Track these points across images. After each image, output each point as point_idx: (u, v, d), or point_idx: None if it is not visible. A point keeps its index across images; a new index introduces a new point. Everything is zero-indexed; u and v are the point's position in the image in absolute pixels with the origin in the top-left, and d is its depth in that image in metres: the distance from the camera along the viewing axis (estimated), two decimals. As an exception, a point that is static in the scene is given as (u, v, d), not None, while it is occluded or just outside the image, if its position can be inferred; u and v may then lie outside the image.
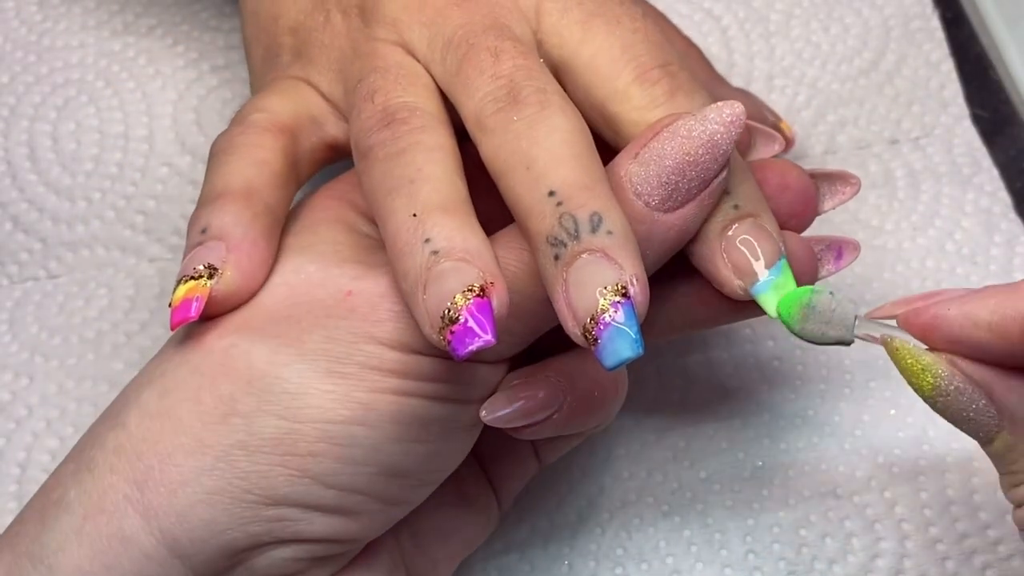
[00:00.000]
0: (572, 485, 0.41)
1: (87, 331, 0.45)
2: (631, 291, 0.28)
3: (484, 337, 0.28)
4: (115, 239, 0.47)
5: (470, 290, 0.28)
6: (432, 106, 0.33)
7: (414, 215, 0.30)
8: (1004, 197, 0.47)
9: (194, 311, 0.31)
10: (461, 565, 0.40)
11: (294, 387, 0.31)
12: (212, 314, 0.32)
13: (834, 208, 0.37)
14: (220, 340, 0.31)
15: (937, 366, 0.30)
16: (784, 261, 0.32)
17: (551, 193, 0.29)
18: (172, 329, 0.32)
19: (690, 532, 0.40)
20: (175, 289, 0.32)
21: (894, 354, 0.31)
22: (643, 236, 0.31)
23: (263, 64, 0.39)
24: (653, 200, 0.31)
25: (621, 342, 0.28)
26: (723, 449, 0.42)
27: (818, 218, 0.45)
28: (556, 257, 0.29)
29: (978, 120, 0.49)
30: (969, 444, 0.40)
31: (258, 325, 0.32)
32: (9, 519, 0.41)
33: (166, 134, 0.49)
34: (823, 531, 0.40)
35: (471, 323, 0.28)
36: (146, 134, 0.49)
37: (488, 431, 0.35)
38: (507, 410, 0.33)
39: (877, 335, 0.31)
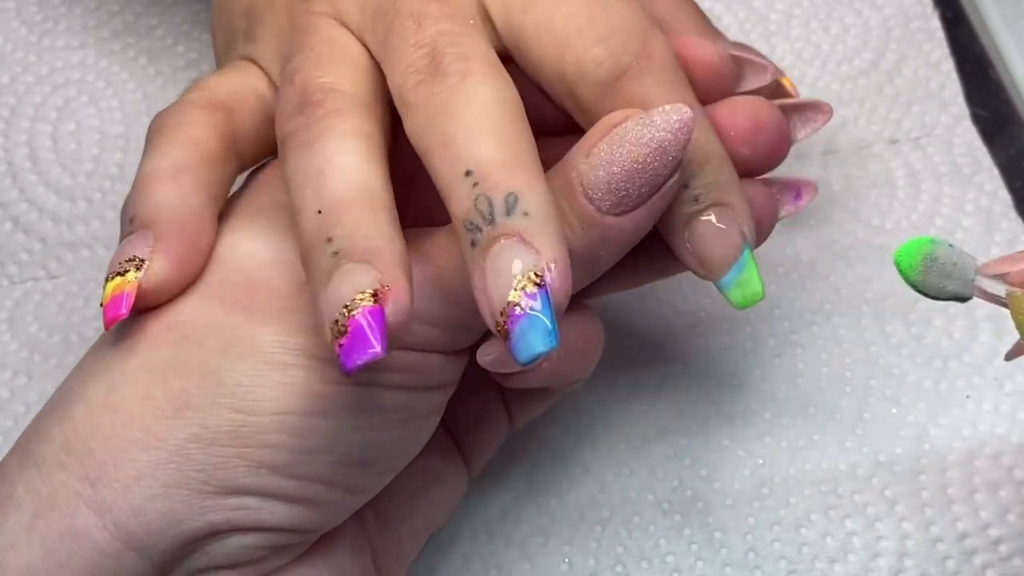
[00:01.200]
0: (572, 482, 0.41)
1: (86, 330, 0.45)
2: (547, 277, 0.26)
3: (371, 349, 0.26)
4: (115, 239, 0.47)
5: (362, 297, 0.27)
6: (353, 86, 0.31)
7: (319, 212, 0.28)
8: (1004, 196, 0.47)
9: (124, 308, 0.30)
10: (461, 563, 0.40)
11: (249, 380, 0.30)
12: (147, 307, 0.31)
13: (807, 136, 0.37)
14: (169, 333, 0.31)
15: None
16: (748, 251, 0.31)
17: (467, 173, 0.28)
18: (107, 328, 0.30)
19: (690, 530, 0.40)
20: (104, 286, 0.31)
21: (1018, 304, 0.29)
22: (596, 239, 0.30)
23: (224, 53, 0.38)
24: (604, 204, 0.29)
25: (534, 334, 0.26)
26: (724, 447, 0.42)
27: (819, 217, 0.46)
28: (473, 243, 0.27)
29: (978, 120, 0.49)
30: (971, 443, 0.41)
31: (211, 316, 0.31)
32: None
33: (166, 134, 0.49)
34: (824, 530, 0.40)
35: (363, 333, 0.26)
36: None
37: (459, 398, 0.34)
38: (497, 356, 0.32)
39: (999, 290, 0.30)
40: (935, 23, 0.51)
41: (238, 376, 0.30)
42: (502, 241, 0.27)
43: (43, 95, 0.50)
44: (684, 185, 0.31)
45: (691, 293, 0.45)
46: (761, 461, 0.41)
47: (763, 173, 0.34)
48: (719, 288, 0.32)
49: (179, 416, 0.29)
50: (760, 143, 0.33)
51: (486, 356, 0.32)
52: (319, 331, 0.27)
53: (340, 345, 0.26)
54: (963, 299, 0.30)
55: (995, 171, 0.47)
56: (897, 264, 0.30)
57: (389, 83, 0.31)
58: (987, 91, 0.49)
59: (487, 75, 0.29)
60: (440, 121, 0.28)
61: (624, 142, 0.29)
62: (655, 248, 0.32)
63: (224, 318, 0.30)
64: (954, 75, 0.50)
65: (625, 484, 0.41)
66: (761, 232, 0.33)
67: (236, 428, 0.29)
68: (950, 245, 0.30)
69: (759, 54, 0.37)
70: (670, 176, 0.30)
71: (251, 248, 0.32)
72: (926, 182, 0.47)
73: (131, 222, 0.32)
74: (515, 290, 0.26)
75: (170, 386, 0.30)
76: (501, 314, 0.26)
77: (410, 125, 0.29)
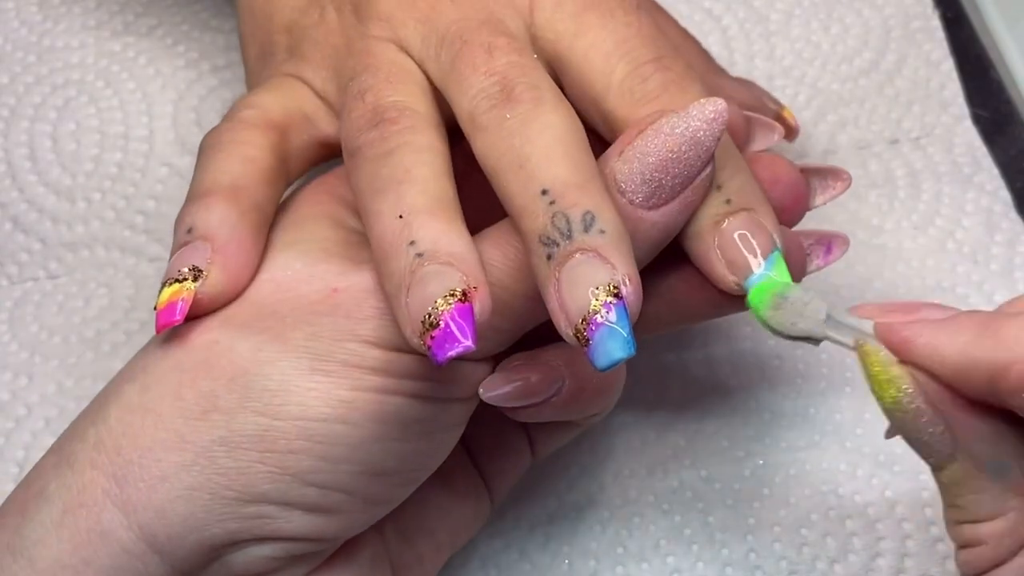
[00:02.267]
0: (572, 483, 0.41)
1: (87, 331, 0.45)
2: (623, 291, 0.28)
3: (464, 343, 0.28)
4: (115, 239, 0.47)
5: (452, 295, 0.28)
6: (422, 106, 0.33)
7: (400, 217, 0.30)
8: (1005, 196, 0.47)
9: (179, 314, 0.31)
10: (460, 563, 0.40)
11: (276, 384, 0.30)
12: (197, 316, 0.32)
13: (824, 203, 0.37)
14: (202, 336, 0.31)
15: (902, 381, 0.29)
16: (778, 254, 0.32)
17: (544, 192, 0.29)
18: (157, 332, 0.31)
19: (691, 531, 0.40)
20: (160, 291, 0.32)
21: (864, 358, 0.30)
22: (628, 233, 0.30)
23: (258, 62, 0.39)
24: (637, 197, 0.30)
25: (613, 343, 0.28)
26: (724, 448, 0.42)
27: (819, 217, 0.46)
28: (549, 256, 0.29)
29: (978, 120, 0.49)
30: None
31: (242, 321, 0.31)
32: (8, 518, 0.41)
33: (166, 134, 0.49)
34: (824, 530, 0.40)
35: (452, 328, 0.28)
36: (146, 134, 0.49)
37: (480, 425, 0.35)
38: (505, 389, 0.33)
39: (848, 338, 0.30)
40: (935, 23, 0.51)
41: (265, 380, 0.30)
42: (578, 256, 0.28)
43: (43, 95, 0.50)
44: (717, 187, 0.32)
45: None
46: (761, 462, 0.41)
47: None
48: (747, 289, 0.31)
49: (206, 418, 0.30)
50: (774, 196, 0.33)
51: (488, 393, 0.33)
52: (401, 326, 0.29)
53: (432, 338, 0.28)
54: (814, 341, 0.31)
55: (995, 171, 0.47)
56: (750, 303, 0.31)
57: (456, 107, 0.32)
58: (987, 91, 0.49)
59: (556, 105, 0.31)
60: (514, 143, 0.30)
61: (659, 133, 0.30)
62: (679, 289, 0.33)
63: (254, 323, 0.31)
64: (954, 75, 0.50)
65: (625, 485, 0.41)
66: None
67: (261, 432, 0.30)
68: (805, 290, 0.31)
69: (766, 93, 0.39)
70: (704, 167, 0.31)
71: (283, 260, 0.33)
72: (926, 182, 0.47)
73: (189, 232, 0.32)
74: (596, 300, 0.28)
75: (199, 388, 0.30)
76: (583, 321, 0.28)
77: (481, 146, 0.31)
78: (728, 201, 0.32)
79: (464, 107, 0.32)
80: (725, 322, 0.44)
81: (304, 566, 0.33)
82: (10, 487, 0.41)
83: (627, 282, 0.28)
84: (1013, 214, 0.46)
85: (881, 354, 0.30)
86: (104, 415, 0.31)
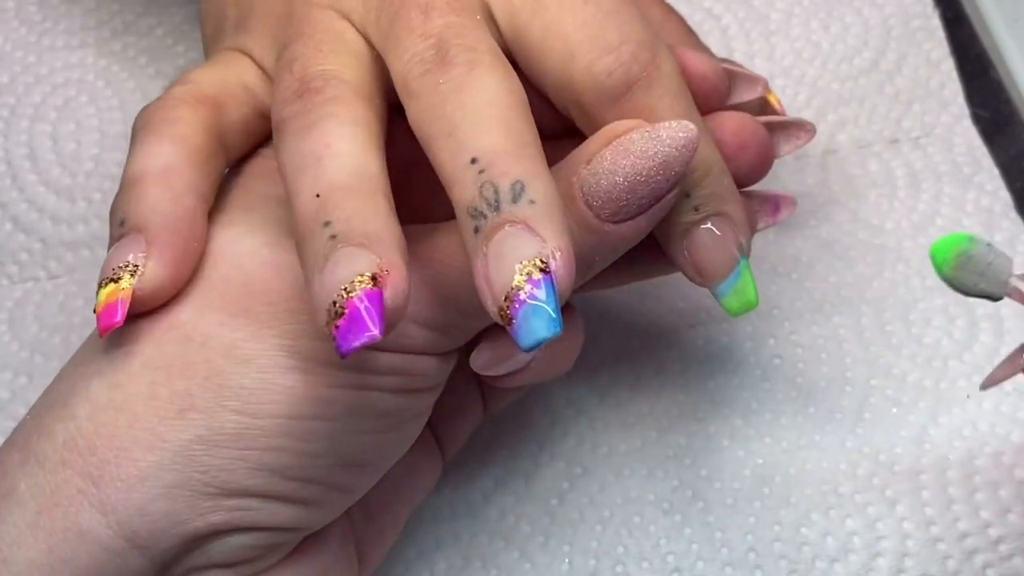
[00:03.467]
0: (573, 482, 0.41)
1: (87, 331, 0.45)
2: (552, 265, 0.27)
3: (370, 332, 0.26)
4: (115, 239, 0.47)
5: (360, 280, 0.27)
6: (353, 75, 0.31)
7: (317, 195, 0.28)
8: (1005, 196, 0.47)
9: (119, 316, 0.30)
10: (462, 564, 0.40)
11: (252, 382, 0.30)
12: (141, 312, 0.31)
13: (790, 152, 0.37)
14: (172, 331, 0.31)
15: None
16: (745, 262, 0.32)
17: (473, 160, 0.28)
18: (101, 336, 0.30)
19: (691, 530, 0.40)
20: (97, 292, 0.30)
21: None
22: (592, 244, 0.30)
23: (212, 41, 0.38)
24: (604, 212, 0.30)
25: (537, 321, 0.26)
26: (724, 447, 0.42)
27: (820, 215, 0.46)
28: (476, 229, 0.27)
29: (978, 120, 0.49)
30: (971, 442, 0.41)
31: (213, 317, 0.30)
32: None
33: (166, 134, 0.49)
34: (824, 529, 0.40)
35: (361, 315, 0.26)
36: (146, 134, 0.49)
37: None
38: (490, 358, 0.32)
39: None
40: (935, 22, 0.51)
41: (241, 379, 0.30)
42: (507, 228, 0.27)
43: (43, 95, 0.50)
44: (685, 194, 0.31)
45: (691, 294, 0.45)
46: (761, 461, 0.41)
47: (747, 186, 0.35)
48: (715, 296, 0.32)
49: (183, 417, 0.30)
50: (743, 157, 0.34)
51: (478, 360, 0.32)
52: (312, 313, 0.27)
53: (336, 327, 0.26)
54: (994, 298, 0.30)
55: (995, 171, 0.47)
56: (932, 257, 0.30)
57: (392, 72, 0.31)
58: (987, 91, 0.49)
59: (493, 67, 0.29)
60: (446, 110, 0.29)
61: (629, 154, 0.30)
62: (643, 251, 0.33)
63: (227, 319, 0.30)
64: (954, 74, 0.50)
65: (625, 484, 0.41)
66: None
67: (240, 431, 0.30)
68: (988, 244, 0.30)
69: (754, 75, 0.38)
70: (671, 189, 0.30)
71: (249, 245, 0.32)
72: (926, 182, 0.47)
73: (122, 225, 0.31)
74: (519, 275, 0.26)
75: (174, 387, 0.30)
76: (505, 299, 0.26)
77: (413, 113, 0.30)
78: (696, 208, 0.32)
79: (399, 72, 0.30)
80: (726, 322, 0.44)
81: (280, 552, 0.32)
82: (11, 486, 0.42)
83: (556, 255, 0.27)
84: (1013, 214, 0.46)
85: None
86: (72, 412, 0.30)
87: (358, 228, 0.28)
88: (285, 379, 0.30)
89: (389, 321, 0.27)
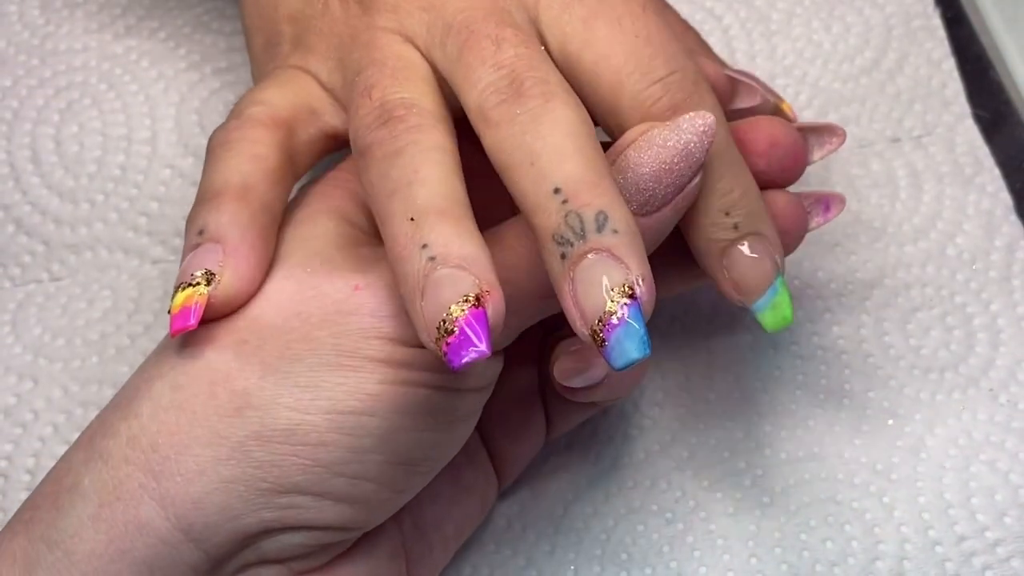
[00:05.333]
0: (578, 494, 0.42)
1: (91, 334, 0.46)
2: (638, 291, 0.28)
3: (479, 348, 0.28)
4: (118, 241, 0.47)
5: (466, 300, 0.28)
6: (430, 102, 0.33)
7: (411, 219, 0.30)
8: (1005, 198, 0.47)
9: (193, 319, 0.31)
10: (469, 571, 0.40)
11: (305, 380, 0.31)
12: (211, 319, 0.32)
13: (822, 158, 0.38)
14: (230, 336, 0.32)
15: None
16: (781, 278, 0.33)
17: (556, 190, 0.29)
18: (172, 336, 0.32)
19: (693, 538, 0.41)
20: (174, 295, 0.32)
21: None
22: None
23: (264, 53, 0.39)
24: (632, 205, 0.31)
25: (629, 343, 0.28)
26: (725, 459, 0.42)
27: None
28: (563, 256, 0.29)
29: (978, 120, 0.49)
30: (966, 451, 0.41)
31: (268, 321, 0.32)
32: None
33: (169, 136, 0.49)
34: (824, 535, 0.40)
35: (467, 334, 0.28)
36: (149, 136, 0.49)
37: (500, 410, 0.37)
38: (572, 369, 0.34)
39: None
40: (936, 21, 0.51)
41: (295, 377, 0.31)
42: (592, 256, 0.29)
43: (46, 98, 0.50)
44: (725, 213, 0.33)
45: (692, 307, 0.45)
46: (761, 472, 0.42)
47: (781, 187, 0.36)
48: (752, 312, 0.33)
49: (240, 415, 0.31)
50: (774, 158, 0.35)
51: (561, 368, 0.35)
52: (417, 329, 0.29)
53: (447, 344, 0.28)
54: None
55: (996, 171, 0.47)
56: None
57: (464, 99, 0.32)
58: (987, 91, 0.49)
59: (567, 99, 0.31)
60: (525, 139, 0.30)
61: (652, 145, 0.31)
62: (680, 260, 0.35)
63: (281, 322, 0.32)
64: (955, 74, 0.50)
65: (628, 496, 0.42)
66: (790, 242, 0.35)
67: (293, 426, 0.31)
68: None
69: (765, 86, 0.40)
70: (694, 177, 0.32)
71: (302, 256, 0.33)
72: (928, 183, 0.47)
73: (200, 234, 0.33)
74: (611, 301, 0.28)
75: (232, 386, 0.31)
76: (599, 322, 0.28)
77: (491, 141, 0.31)
78: (736, 226, 0.33)
79: (472, 100, 0.32)
80: (727, 334, 0.44)
81: (330, 552, 0.34)
82: (24, 495, 0.42)
83: (640, 282, 0.29)
84: (1013, 217, 0.46)
85: None
86: (135, 411, 0.32)
87: (455, 251, 0.29)
88: (336, 376, 0.31)
89: (493, 337, 0.28)
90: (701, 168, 0.32)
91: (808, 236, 0.43)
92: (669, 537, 0.41)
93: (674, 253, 0.34)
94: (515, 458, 0.40)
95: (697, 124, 0.31)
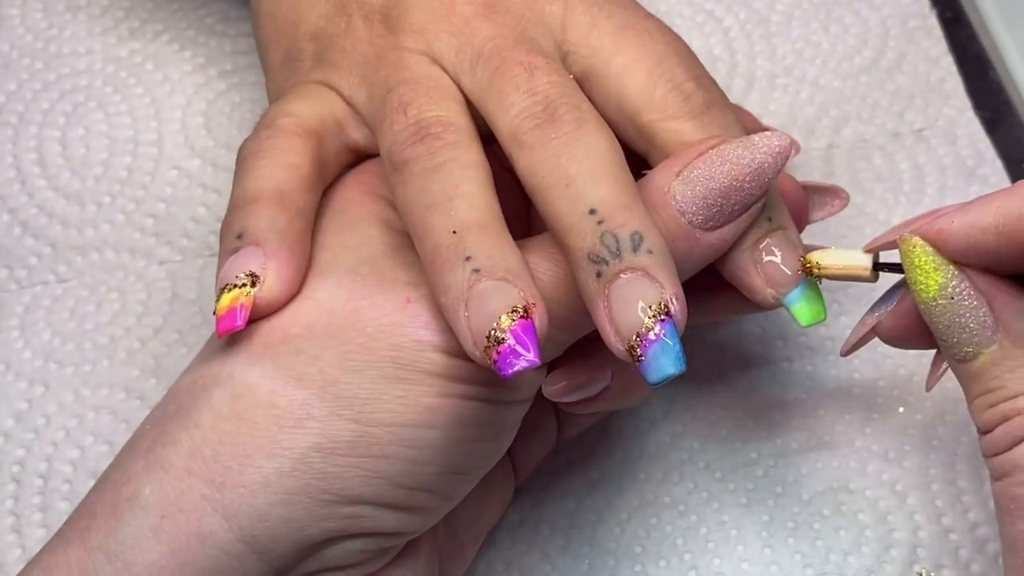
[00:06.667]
0: (591, 487, 0.42)
1: (100, 337, 0.45)
2: (672, 309, 0.29)
3: (529, 358, 0.29)
4: (125, 243, 0.47)
5: (515, 311, 0.29)
6: (464, 121, 0.33)
7: (453, 232, 0.30)
8: (1007, 192, 0.47)
9: (240, 320, 0.32)
10: (486, 567, 0.41)
11: (366, 392, 0.31)
12: (257, 319, 0.33)
13: (822, 219, 0.39)
14: (286, 345, 0.32)
15: (948, 267, 0.30)
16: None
17: (592, 211, 0.30)
18: (219, 336, 0.32)
19: (707, 529, 0.41)
20: (219, 297, 0.32)
21: (910, 251, 0.31)
22: (684, 252, 0.32)
23: (283, 68, 0.39)
24: (697, 219, 0.32)
25: (666, 359, 0.29)
26: (736, 450, 0.42)
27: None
28: (598, 274, 0.30)
29: (978, 120, 0.49)
30: (977, 438, 0.41)
31: (323, 330, 0.32)
32: (36, 533, 0.41)
33: (175, 138, 0.49)
34: (837, 524, 0.41)
35: (517, 344, 0.29)
36: (155, 138, 0.49)
37: None
38: (564, 386, 0.35)
39: (892, 236, 0.32)
40: (932, 21, 0.51)
41: (355, 388, 0.31)
42: (627, 275, 0.29)
43: (51, 101, 0.50)
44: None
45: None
46: (773, 462, 0.42)
47: None
48: (786, 306, 0.34)
49: (302, 426, 0.31)
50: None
51: (552, 387, 0.35)
52: (461, 339, 0.30)
53: (498, 353, 0.29)
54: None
55: (999, 163, 0.48)
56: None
57: (495, 123, 0.33)
58: (987, 91, 0.50)
59: (598, 126, 0.32)
60: (560, 162, 0.31)
61: (725, 161, 0.32)
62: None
63: (337, 332, 0.32)
64: (954, 69, 0.50)
65: (641, 489, 0.42)
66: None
67: (355, 439, 0.31)
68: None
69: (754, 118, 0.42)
70: (762, 196, 0.32)
71: (349, 264, 0.33)
72: (930, 175, 0.48)
73: (239, 238, 0.33)
74: (648, 319, 0.29)
75: (292, 396, 0.31)
76: (636, 338, 0.29)
77: (524, 164, 0.32)
78: (769, 219, 0.33)
79: (505, 125, 0.33)
80: (736, 326, 0.45)
81: (386, 557, 0.34)
82: (37, 500, 0.42)
83: (674, 301, 0.29)
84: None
85: (925, 245, 0.31)
86: (196, 421, 0.31)
87: (499, 263, 0.30)
88: (396, 389, 0.31)
89: (541, 347, 0.29)
90: (767, 189, 0.32)
91: (814, 229, 0.44)
92: (682, 529, 0.41)
93: (702, 286, 0.35)
94: (528, 458, 0.41)
95: (773, 144, 0.32)
